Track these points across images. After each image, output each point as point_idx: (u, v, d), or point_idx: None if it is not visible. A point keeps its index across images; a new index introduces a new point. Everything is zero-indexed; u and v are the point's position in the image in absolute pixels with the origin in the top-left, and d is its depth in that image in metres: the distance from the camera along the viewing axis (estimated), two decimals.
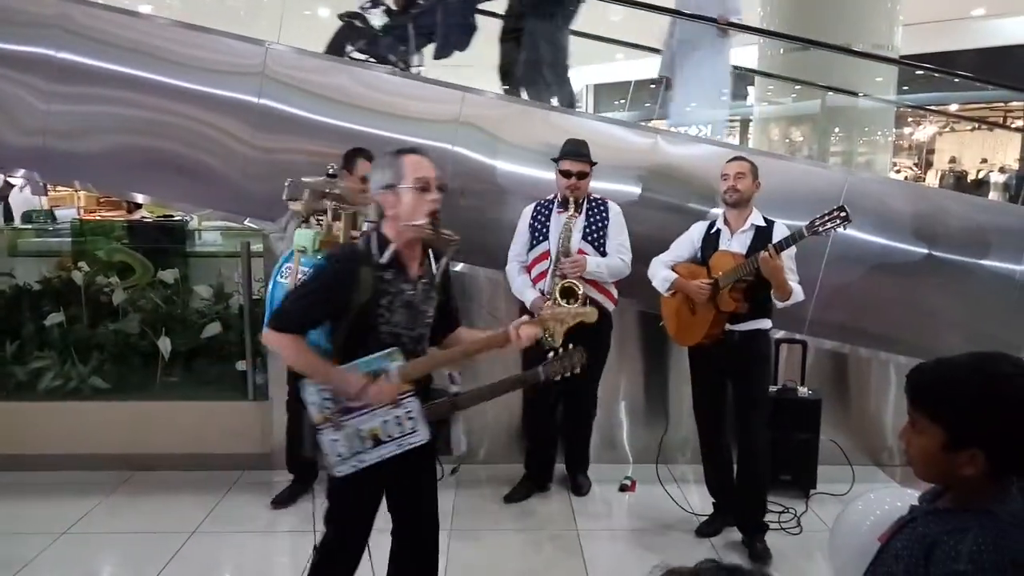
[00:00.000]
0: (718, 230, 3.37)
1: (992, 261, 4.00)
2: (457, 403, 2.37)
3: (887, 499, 2.37)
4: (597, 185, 3.82)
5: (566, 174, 3.56)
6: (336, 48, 4.51)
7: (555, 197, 3.66)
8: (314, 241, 2.58)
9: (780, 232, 3.24)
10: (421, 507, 2.48)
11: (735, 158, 3.38)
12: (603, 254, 3.59)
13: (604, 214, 3.63)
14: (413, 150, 2.26)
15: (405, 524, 2.50)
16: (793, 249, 3.22)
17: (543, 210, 3.67)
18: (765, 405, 3.42)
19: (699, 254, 3.40)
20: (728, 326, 3.26)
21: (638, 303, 3.88)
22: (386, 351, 2.21)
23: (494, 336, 2.31)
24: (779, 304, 3.23)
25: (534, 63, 4.53)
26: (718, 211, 3.65)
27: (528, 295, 3.61)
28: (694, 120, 4.83)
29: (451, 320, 2.46)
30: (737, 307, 3.20)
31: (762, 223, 3.30)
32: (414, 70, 4.52)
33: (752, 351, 3.31)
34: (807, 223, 3.04)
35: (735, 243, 3.30)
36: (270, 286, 2.75)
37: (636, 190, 4.01)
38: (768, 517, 3.48)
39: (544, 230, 3.62)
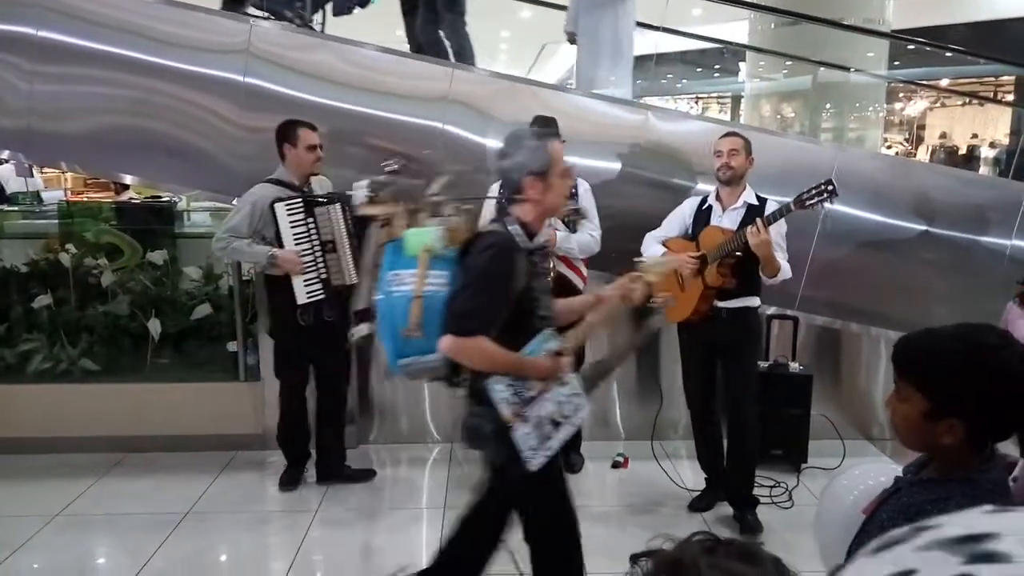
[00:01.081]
0: (710, 206, 3.36)
1: (983, 236, 4.01)
2: (609, 368, 2.41)
3: (873, 472, 2.38)
4: (587, 163, 3.80)
5: None
6: (233, 4, 4.34)
7: None
8: (442, 240, 2.34)
9: (772, 209, 3.23)
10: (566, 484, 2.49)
11: (728, 134, 3.35)
12: (573, 230, 3.56)
13: (574, 191, 3.55)
14: (550, 135, 2.30)
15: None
16: (784, 227, 3.22)
17: None
18: (754, 382, 3.43)
19: (690, 230, 3.39)
20: (717, 303, 3.26)
21: None
22: (543, 335, 2.22)
23: (613, 297, 2.41)
24: (767, 281, 3.22)
25: (432, 24, 4.45)
26: (709, 187, 3.64)
27: None
28: (598, 80, 4.71)
29: None
30: (724, 282, 3.20)
31: (755, 201, 3.29)
32: (316, 27, 4.39)
33: (741, 328, 3.31)
34: (795, 197, 3.05)
35: (726, 220, 3.29)
36: (381, 298, 2.28)
37: (628, 167, 3.99)
38: (760, 492, 3.51)
39: None
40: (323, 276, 3.43)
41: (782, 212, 3.07)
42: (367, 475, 3.83)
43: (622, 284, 2.40)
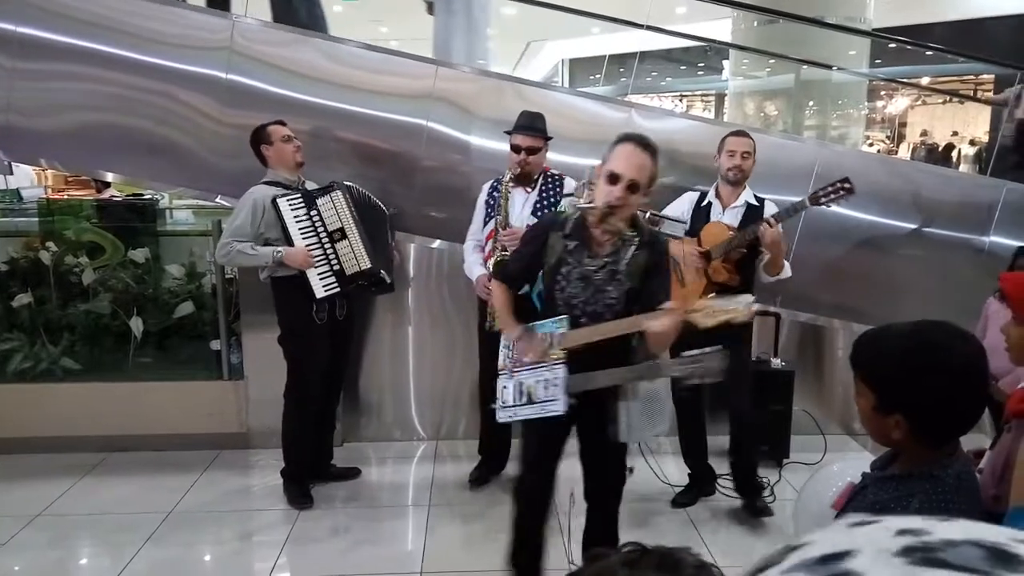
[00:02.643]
0: (709, 203, 3.35)
1: (962, 232, 4.06)
2: (591, 379, 2.34)
3: (851, 468, 2.40)
4: (575, 161, 3.81)
5: (515, 149, 3.40)
6: None
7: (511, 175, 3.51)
8: None
9: (771, 210, 3.23)
10: (606, 480, 2.60)
11: (740, 133, 3.34)
12: None
13: (558, 189, 3.47)
14: (631, 139, 2.30)
15: (590, 493, 2.63)
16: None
17: (498, 186, 3.52)
18: (748, 374, 3.44)
19: (688, 226, 3.38)
20: None
21: None
22: (556, 318, 2.34)
23: (634, 320, 2.29)
24: (766, 279, 3.22)
25: None
26: (693, 184, 3.66)
27: (475, 272, 3.50)
28: (452, 48, 4.70)
29: (645, 309, 2.33)
30: (729, 278, 3.18)
31: (754, 201, 3.29)
32: None
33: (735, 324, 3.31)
34: (809, 194, 3.04)
35: (727, 218, 3.29)
36: None
37: None
38: None
39: (497, 206, 3.47)
40: (335, 268, 3.35)
41: (796, 208, 3.06)
42: (352, 473, 3.82)
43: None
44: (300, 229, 3.33)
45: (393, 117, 3.93)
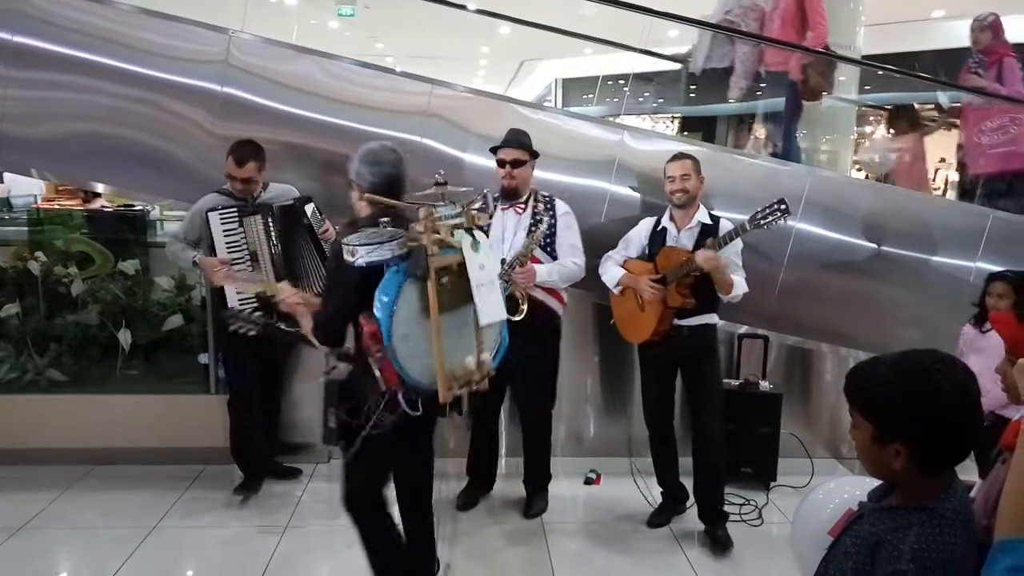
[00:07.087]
0: (664, 228, 3.40)
1: (948, 258, 4.09)
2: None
3: (847, 487, 2.40)
4: (566, 180, 3.83)
5: (500, 163, 3.42)
6: None
7: (499, 194, 3.51)
8: None
9: (725, 228, 3.27)
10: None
11: (677, 157, 3.39)
12: (554, 256, 3.43)
13: (551, 213, 3.45)
14: None
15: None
16: (739, 244, 3.27)
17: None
18: (718, 397, 3.48)
19: (646, 251, 3.44)
20: (677, 321, 3.30)
21: (597, 296, 3.89)
22: None
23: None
24: (723, 298, 3.27)
25: None
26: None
27: None
28: None
29: None
30: (684, 302, 3.24)
31: (708, 220, 3.34)
32: None
33: (701, 345, 3.37)
34: (748, 217, 3.10)
35: (682, 240, 3.34)
36: None
37: (604, 185, 4.02)
38: (730, 509, 3.54)
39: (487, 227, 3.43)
40: None
41: (736, 232, 3.14)
42: (292, 473, 3.95)
43: None
44: (228, 242, 3.49)
45: (389, 133, 3.94)
